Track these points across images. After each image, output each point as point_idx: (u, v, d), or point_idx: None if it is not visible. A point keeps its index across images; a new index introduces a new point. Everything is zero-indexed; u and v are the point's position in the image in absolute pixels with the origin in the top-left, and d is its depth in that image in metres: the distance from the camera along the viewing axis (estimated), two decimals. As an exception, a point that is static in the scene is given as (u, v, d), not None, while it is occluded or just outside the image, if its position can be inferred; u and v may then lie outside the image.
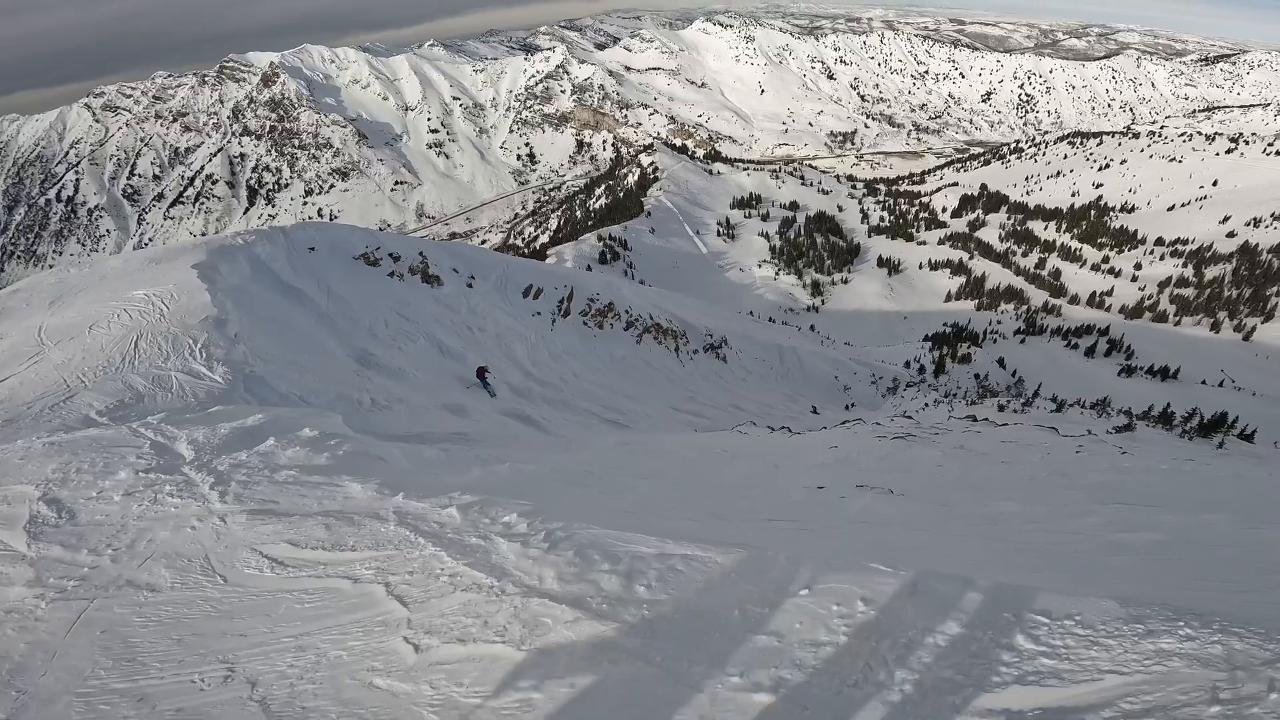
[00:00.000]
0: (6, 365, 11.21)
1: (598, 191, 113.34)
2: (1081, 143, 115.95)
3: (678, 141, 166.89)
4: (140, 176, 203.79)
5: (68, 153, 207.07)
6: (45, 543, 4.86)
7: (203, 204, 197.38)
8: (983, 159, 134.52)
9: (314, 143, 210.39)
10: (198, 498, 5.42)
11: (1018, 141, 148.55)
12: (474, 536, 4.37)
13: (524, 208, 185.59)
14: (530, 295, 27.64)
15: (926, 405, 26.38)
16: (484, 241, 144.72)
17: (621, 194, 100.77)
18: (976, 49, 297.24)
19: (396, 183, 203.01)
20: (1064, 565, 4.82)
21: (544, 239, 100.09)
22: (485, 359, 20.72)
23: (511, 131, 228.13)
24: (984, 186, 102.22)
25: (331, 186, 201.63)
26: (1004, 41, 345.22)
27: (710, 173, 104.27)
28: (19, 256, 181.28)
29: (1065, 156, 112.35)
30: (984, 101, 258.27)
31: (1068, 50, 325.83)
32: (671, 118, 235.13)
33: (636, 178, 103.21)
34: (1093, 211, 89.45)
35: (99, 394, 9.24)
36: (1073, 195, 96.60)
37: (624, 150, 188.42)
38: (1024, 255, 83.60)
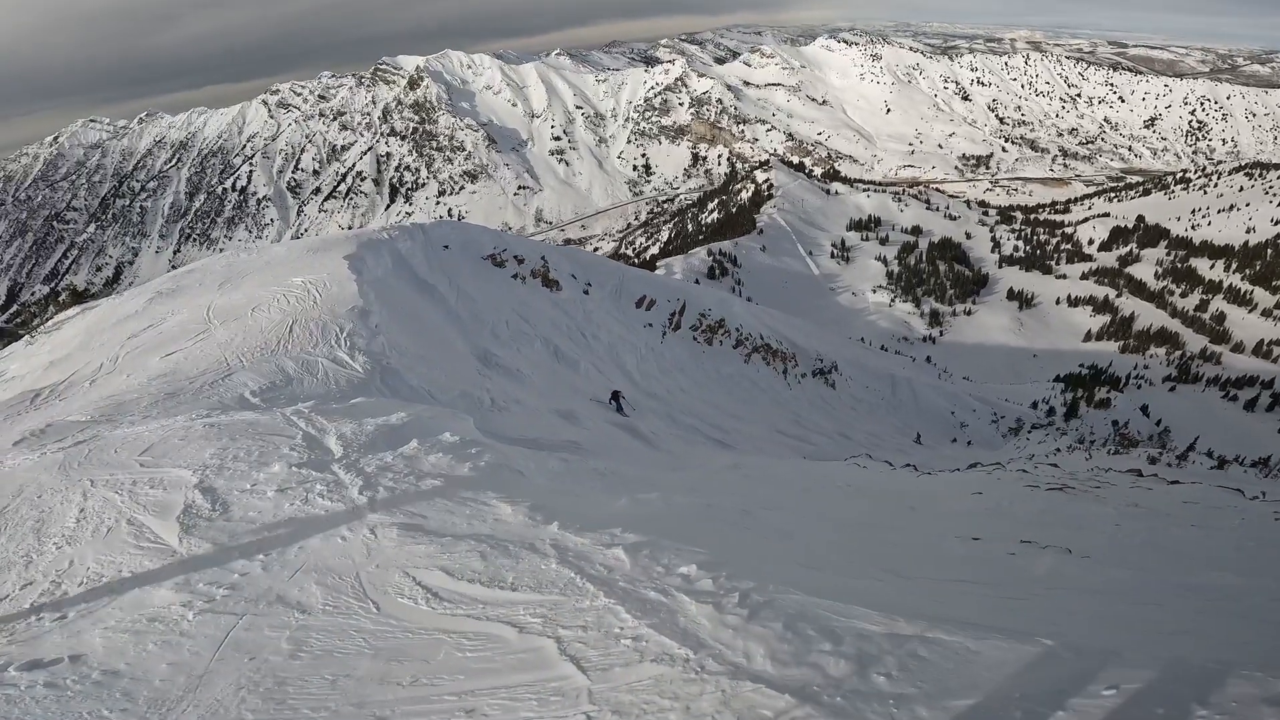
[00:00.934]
0: (176, 340, 12.30)
1: (710, 206, 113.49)
2: (1261, 174, 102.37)
3: (795, 159, 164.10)
4: (303, 171, 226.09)
5: (244, 146, 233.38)
6: (197, 538, 4.71)
7: (351, 199, 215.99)
8: (1141, 189, 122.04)
9: (449, 145, 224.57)
10: (347, 502, 5.24)
11: (1185, 171, 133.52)
12: (651, 589, 3.78)
13: (636, 218, 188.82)
14: (643, 306, 28.14)
15: (1058, 450, 24.26)
16: (596, 249, 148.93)
17: (734, 209, 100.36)
18: (1140, 73, 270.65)
19: (519, 187, 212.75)
20: None
21: (654, 250, 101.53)
22: (597, 366, 21.34)
23: (629, 142, 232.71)
24: (1140, 218, 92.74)
25: (461, 188, 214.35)
26: (1173, 66, 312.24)
27: (827, 192, 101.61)
28: (195, 239, 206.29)
29: (1240, 189, 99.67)
30: (1147, 128, 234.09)
31: (1249, 76, 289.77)
32: (789, 134, 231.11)
33: (750, 194, 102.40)
34: (1269, 251, 78.79)
35: (255, 374, 9.96)
36: (1247, 232, 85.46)
37: (739, 165, 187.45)
38: (1183, 295, 75.07)
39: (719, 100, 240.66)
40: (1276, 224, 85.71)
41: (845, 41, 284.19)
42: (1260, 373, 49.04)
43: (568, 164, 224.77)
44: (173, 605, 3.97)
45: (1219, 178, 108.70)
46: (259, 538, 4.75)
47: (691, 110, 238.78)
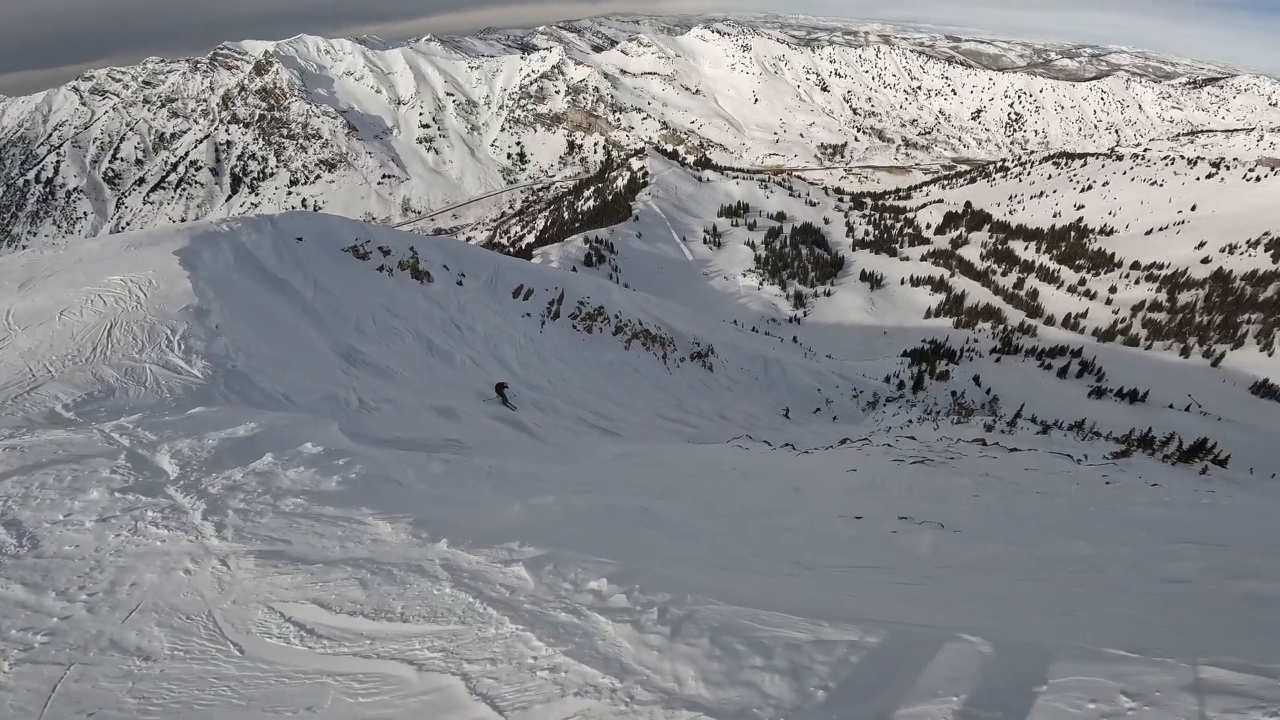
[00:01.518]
0: None
1: (586, 194, 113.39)
2: (1066, 163, 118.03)
3: (669, 147, 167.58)
4: (122, 160, 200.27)
5: (50, 135, 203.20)
6: (3, 579, 4.07)
7: (184, 190, 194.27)
8: (968, 177, 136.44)
9: (303, 133, 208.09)
10: (189, 530, 4.54)
11: (1004, 160, 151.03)
12: (561, 610, 3.46)
13: (511, 206, 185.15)
14: (520, 296, 27.72)
15: (910, 422, 26.80)
16: (469, 239, 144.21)
17: (610, 197, 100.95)
18: (970, 66, 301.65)
19: (384, 176, 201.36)
20: (1224, 622, 4.12)
21: (530, 239, 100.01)
22: (474, 359, 20.78)
23: (503, 130, 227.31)
24: (968, 204, 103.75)
25: (318, 177, 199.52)
26: (998, 60, 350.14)
27: (700, 180, 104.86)
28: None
29: (1049, 177, 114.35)
30: (974, 119, 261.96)
31: (1059, 70, 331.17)
32: (664, 123, 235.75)
33: (626, 181, 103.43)
34: (1073, 233, 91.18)
35: (67, 385, 8.75)
36: (1054, 216, 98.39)
37: (615, 154, 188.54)
38: (1003, 274, 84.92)
39: (596, 89, 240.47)
40: (1079, 209, 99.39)
41: (719, 32, 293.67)
42: (1069, 343, 56.40)
43: (437, 152, 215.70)
44: None
45: (1031, 166, 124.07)
46: (79, 575, 4.10)
47: (568, 98, 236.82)
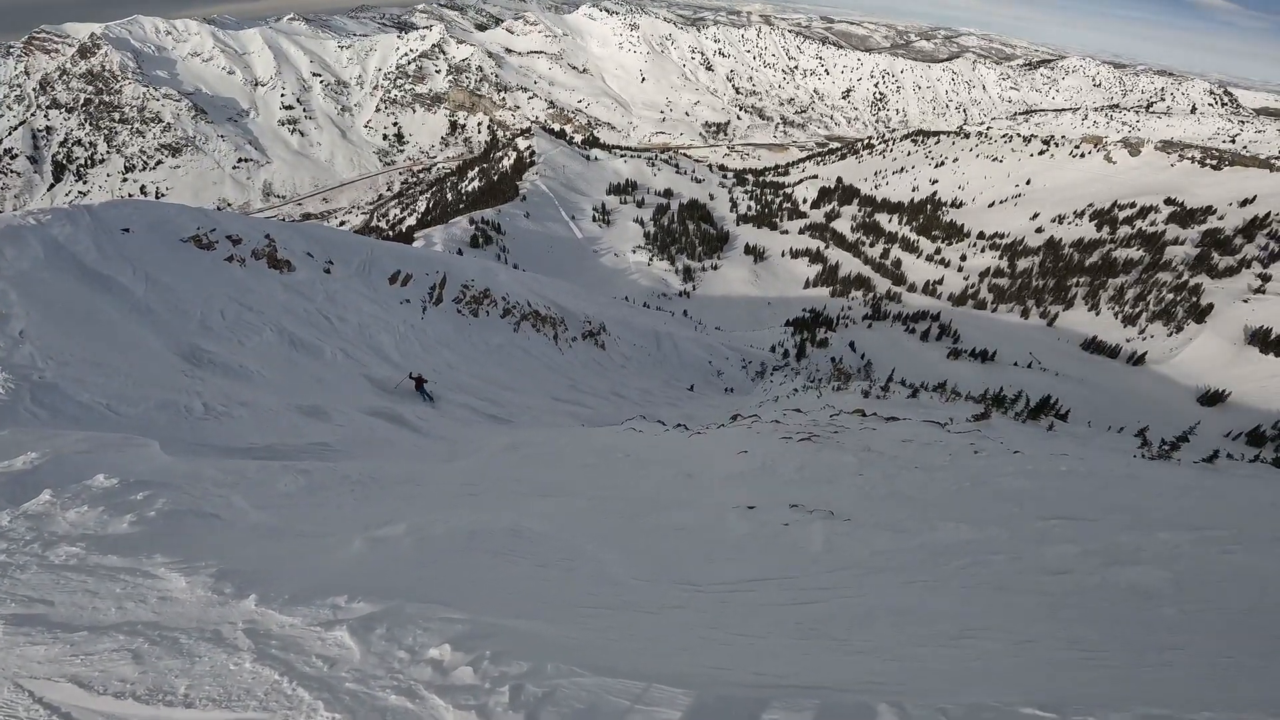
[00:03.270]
0: None
1: (471, 174, 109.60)
2: (922, 140, 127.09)
3: (557, 126, 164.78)
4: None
5: None
6: None
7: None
8: (840, 154, 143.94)
9: (139, 117, 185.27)
10: None
11: (870, 138, 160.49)
12: (391, 690, 2.80)
13: (389, 189, 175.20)
14: (398, 282, 26.38)
15: (796, 390, 28.14)
16: (343, 223, 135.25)
17: (496, 177, 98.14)
18: (841, 47, 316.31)
19: (240, 160, 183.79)
20: (1120, 633, 4.02)
21: (411, 221, 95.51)
22: (346, 351, 19.58)
23: (378, 110, 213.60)
24: (839, 180, 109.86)
25: (159, 163, 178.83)
26: (865, 41, 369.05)
27: (588, 159, 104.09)
28: None
29: (909, 154, 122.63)
30: (844, 98, 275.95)
31: (918, 51, 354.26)
32: (551, 102, 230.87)
33: (512, 161, 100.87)
34: (929, 206, 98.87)
35: None
36: (913, 190, 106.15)
37: (500, 134, 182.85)
38: (871, 245, 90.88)
39: (480, 68, 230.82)
40: (934, 183, 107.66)
41: (607, 10, 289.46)
42: (929, 308, 61.27)
43: (303, 134, 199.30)
44: None
45: (893, 144, 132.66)
46: None
47: (450, 78, 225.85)
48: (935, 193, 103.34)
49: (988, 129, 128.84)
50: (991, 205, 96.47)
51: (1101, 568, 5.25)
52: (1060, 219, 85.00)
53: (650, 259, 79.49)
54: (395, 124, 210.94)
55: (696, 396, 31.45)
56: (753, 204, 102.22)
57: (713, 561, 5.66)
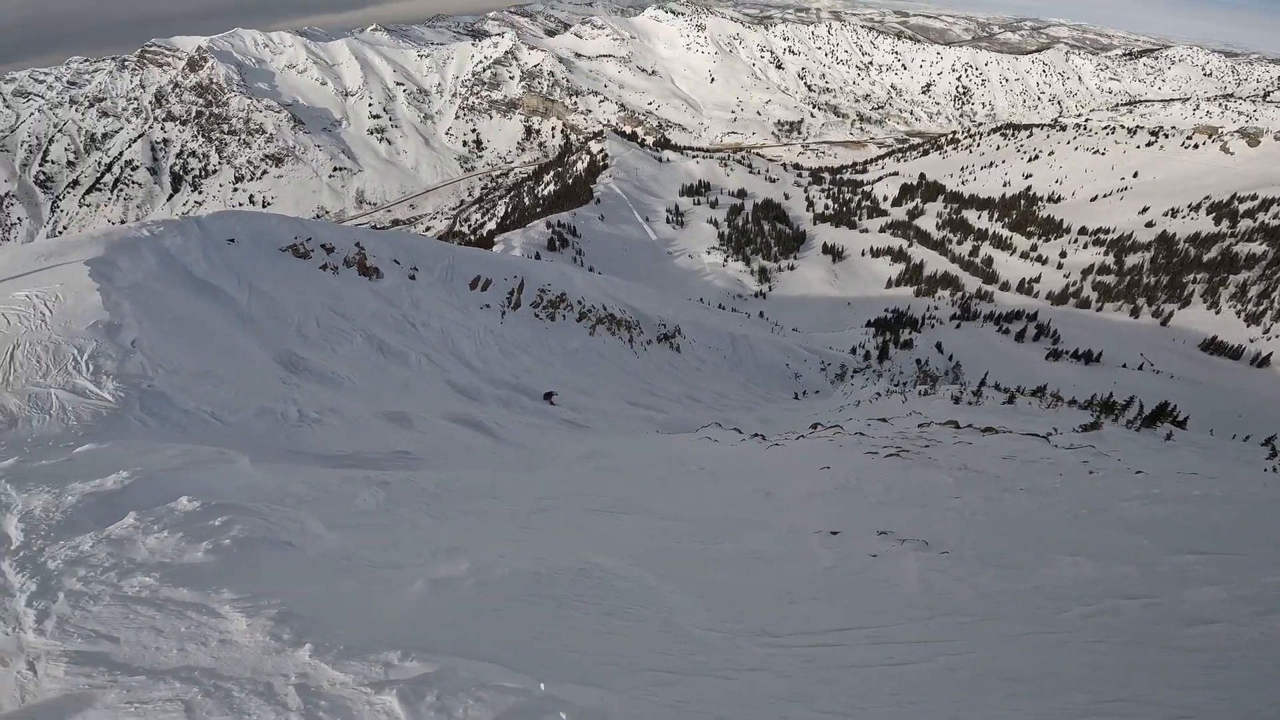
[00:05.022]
0: None
1: (546, 178, 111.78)
2: (1013, 134, 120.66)
3: (627, 129, 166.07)
4: (53, 163, 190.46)
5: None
6: None
7: (122, 190, 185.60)
8: (921, 149, 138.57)
9: (245, 128, 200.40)
10: (8, 619, 3.86)
11: (954, 133, 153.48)
12: None
13: (470, 194, 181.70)
14: (478, 287, 26.93)
15: (878, 394, 26.89)
16: (428, 229, 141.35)
17: (570, 181, 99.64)
18: (918, 41, 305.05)
19: (335, 169, 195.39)
20: None
21: (491, 226, 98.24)
22: (430, 356, 20.03)
23: (458, 118, 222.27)
24: (923, 176, 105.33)
25: (264, 173, 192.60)
26: (944, 34, 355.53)
27: (660, 160, 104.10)
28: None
29: (998, 148, 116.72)
30: (924, 93, 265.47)
31: (1003, 44, 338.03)
32: (621, 105, 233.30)
33: (586, 164, 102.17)
34: (1022, 201, 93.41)
35: None
36: (1004, 185, 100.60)
37: (573, 137, 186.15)
38: (959, 243, 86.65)
39: (551, 73, 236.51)
40: (1027, 178, 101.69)
41: (673, 12, 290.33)
42: (1024, 307, 57.85)
43: (390, 142, 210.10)
44: None
45: (980, 138, 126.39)
46: None
47: (523, 83, 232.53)
48: (1029, 187, 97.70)
49: (1086, 121, 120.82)
50: (1094, 199, 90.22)
51: (1257, 617, 4.41)
52: (1173, 212, 78.60)
53: (725, 260, 78.55)
54: (474, 130, 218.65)
55: (773, 400, 30.60)
56: (830, 202, 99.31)
57: (794, 602, 5.13)
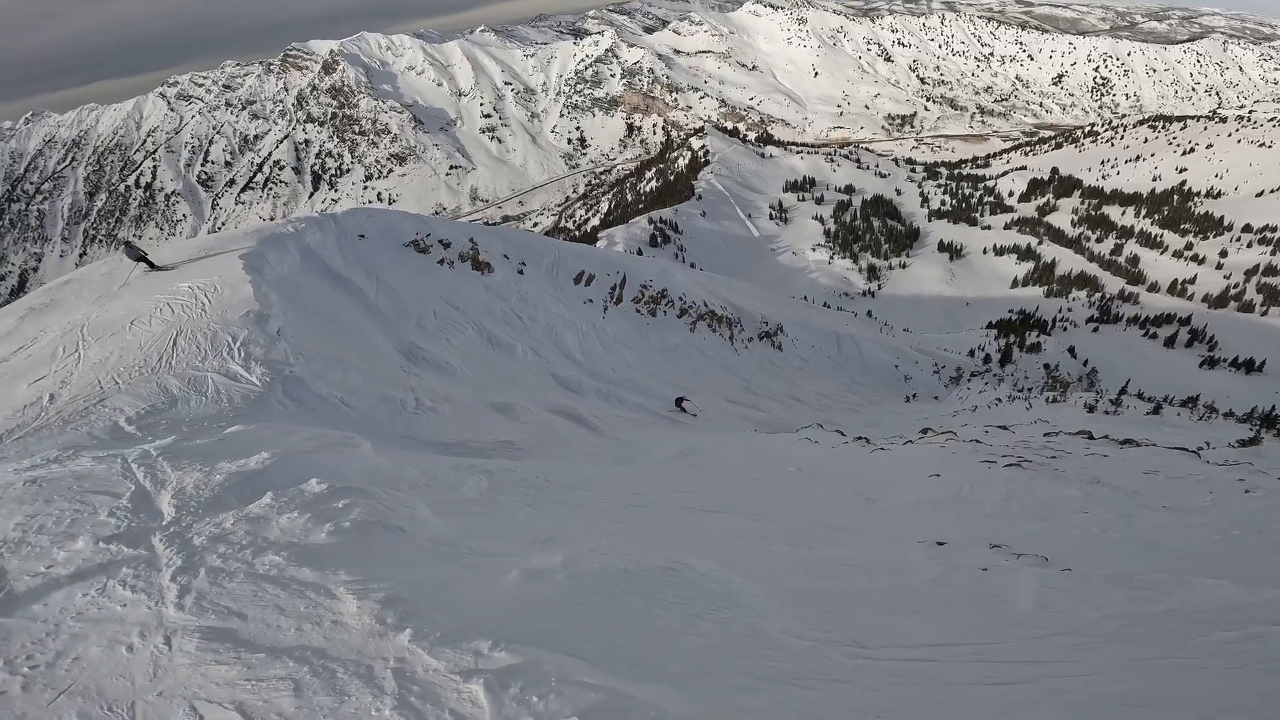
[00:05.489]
0: (44, 364, 10.76)
1: (648, 174, 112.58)
2: (1164, 126, 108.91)
3: (729, 125, 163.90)
4: (213, 163, 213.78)
5: (145, 140, 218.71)
6: None
7: (271, 189, 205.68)
8: (1053, 142, 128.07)
9: (373, 129, 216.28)
10: (152, 593, 3.99)
11: (1093, 125, 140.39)
12: None
13: (575, 191, 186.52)
14: (582, 282, 27.34)
15: (999, 400, 24.94)
16: (535, 224, 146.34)
17: (672, 177, 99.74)
18: (1046, 31, 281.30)
19: (451, 167, 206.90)
20: None
21: (595, 221, 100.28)
22: (535, 349, 20.50)
23: (562, 115, 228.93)
24: (1055, 170, 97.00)
25: (390, 171, 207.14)
26: (1076, 24, 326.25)
27: (762, 156, 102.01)
28: (101, 240, 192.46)
29: (1145, 140, 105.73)
30: (1055, 84, 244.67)
31: (1147, 33, 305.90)
32: (722, 101, 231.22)
33: (687, 161, 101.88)
34: (1175, 197, 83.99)
35: (132, 398, 8.75)
36: (1153, 180, 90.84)
37: (674, 134, 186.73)
38: (1098, 241, 79.27)
39: (650, 70, 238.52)
40: (1181, 171, 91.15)
41: (772, 6, 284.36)
42: (1177, 310, 51.97)
43: (500, 141, 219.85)
44: None
45: (1124, 130, 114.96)
46: (34, 643, 3.57)
47: (624, 81, 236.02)
48: (1184, 182, 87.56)
49: (1250, 112, 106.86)
50: (1260, 195, 79.93)
51: None
52: (1354, 209, 67.98)
53: (831, 257, 75.83)
54: (577, 128, 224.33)
55: (880, 402, 29.11)
56: (947, 198, 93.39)
57: (890, 614, 4.83)
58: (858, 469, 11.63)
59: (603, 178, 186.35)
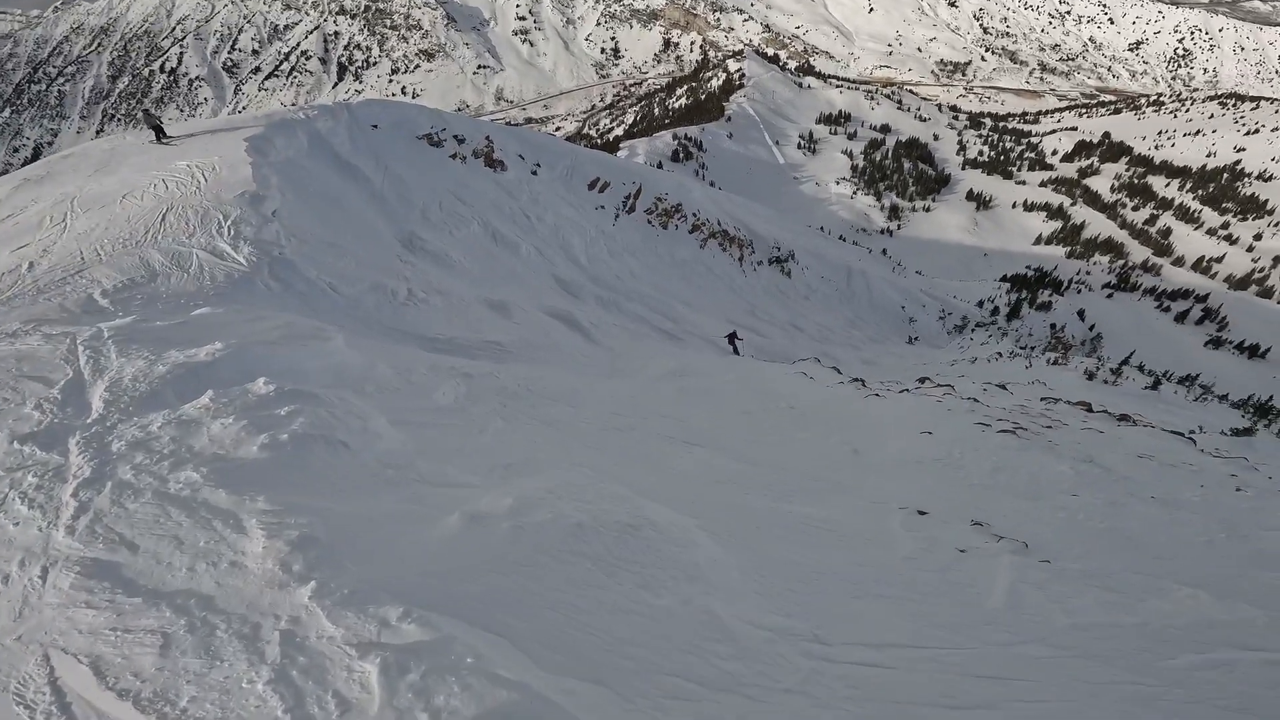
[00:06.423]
0: (28, 232, 10.55)
1: (679, 91, 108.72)
2: (1234, 104, 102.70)
3: (770, 51, 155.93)
4: (240, 51, 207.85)
5: (174, 28, 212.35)
6: None
7: (295, 78, 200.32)
8: (1112, 107, 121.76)
9: (405, 23, 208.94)
10: (49, 510, 3.45)
11: (1159, 94, 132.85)
12: None
13: (602, 100, 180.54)
14: (596, 188, 27.31)
15: (999, 355, 25.05)
16: (558, 129, 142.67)
17: (703, 96, 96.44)
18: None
19: (479, 67, 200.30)
20: None
21: (618, 132, 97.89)
22: (540, 249, 20.67)
23: (599, 24, 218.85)
24: (1106, 135, 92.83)
25: (417, 67, 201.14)
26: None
27: (800, 85, 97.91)
28: (119, 119, 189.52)
29: (1211, 116, 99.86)
30: (1131, 50, 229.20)
31: (1248, 11, 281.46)
32: (766, 26, 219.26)
33: (721, 82, 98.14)
34: (1225, 175, 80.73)
35: (111, 270, 8.54)
36: (1208, 155, 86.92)
37: (711, 54, 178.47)
38: (1134, 209, 77.13)
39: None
40: (1239, 151, 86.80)
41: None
42: (1196, 287, 50.60)
43: (532, 44, 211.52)
44: None
45: (1191, 104, 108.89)
46: None
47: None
48: (1239, 161, 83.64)
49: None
50: (1316, 183, 76.26)
51: None
52: None
53: (854, 192, 74.02)
54: (613, 38, 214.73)
55: (881, 341, 29.43)
56: (985, 149, 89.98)
57: (859, 597, 4.66)
58: (850, 414, 11.37)
59: (632, 90, 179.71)
